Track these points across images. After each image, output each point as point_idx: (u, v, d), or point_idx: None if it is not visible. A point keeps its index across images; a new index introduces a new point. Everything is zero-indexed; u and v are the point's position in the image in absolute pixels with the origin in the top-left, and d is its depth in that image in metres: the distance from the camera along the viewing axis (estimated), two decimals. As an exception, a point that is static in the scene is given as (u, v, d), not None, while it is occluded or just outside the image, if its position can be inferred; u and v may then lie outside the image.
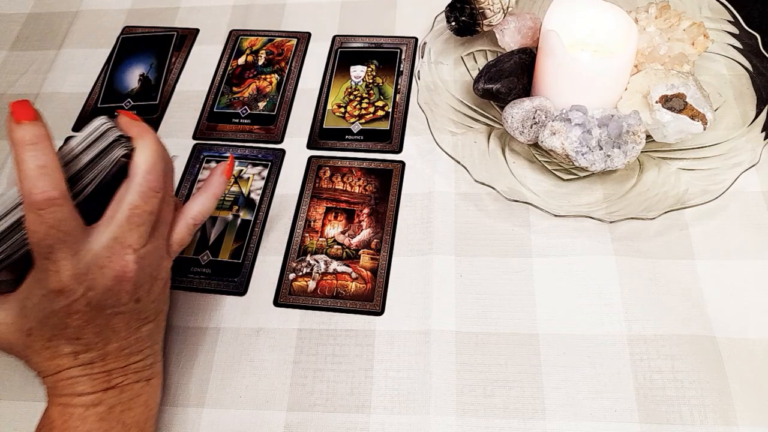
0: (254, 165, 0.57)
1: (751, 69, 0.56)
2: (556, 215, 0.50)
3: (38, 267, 0.36)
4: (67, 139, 0.40)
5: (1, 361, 0.48)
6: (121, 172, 0.39)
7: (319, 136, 0.59)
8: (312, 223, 0.53)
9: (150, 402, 0.42)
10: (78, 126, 0.62)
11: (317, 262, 0.51)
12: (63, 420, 0.38)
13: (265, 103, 0.61)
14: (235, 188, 0.56)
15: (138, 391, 0.41)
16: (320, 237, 0.52)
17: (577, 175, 0.53)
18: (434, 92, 0.57)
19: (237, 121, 0.60)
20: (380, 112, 0.60)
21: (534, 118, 0.51)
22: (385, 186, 0.55)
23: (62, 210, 0.35)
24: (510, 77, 0.53)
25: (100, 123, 0.39)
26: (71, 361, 0.38)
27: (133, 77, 0.65)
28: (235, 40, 0.67)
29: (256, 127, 0.60)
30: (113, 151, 0.39)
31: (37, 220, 0.35)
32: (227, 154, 0.58)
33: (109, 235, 0.37)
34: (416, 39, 0.65)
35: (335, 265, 0.51)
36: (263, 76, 0.63)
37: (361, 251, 0.51)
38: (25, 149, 0.35)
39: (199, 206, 0.44)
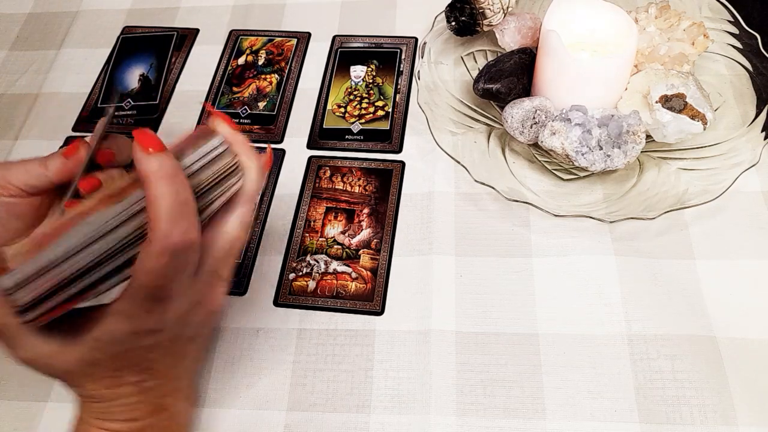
0: (254, 165, 0.57)
1: (751, 69, 0.56)
2: (556, 215, 0.50)
3: (137, 305, 0.32)
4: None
5: (1, 362, 0.48)
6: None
7: (319, 136, 0.59)
8: (312, 223, 0.53)
9: (188, 423, 0.41)
10: (78, 126, 0.62)
11: (317, 262, 0.51)
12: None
13: (265, 103, 0.61)
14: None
15: (182, 412, 0.40)
16: (320, 237, 0.52)
17: (577, 175, 0.53)
18: (434, 92, 0.57)
19: (237, 121, 0.60)
20: (380, 112, 0.60)
21: (534, 118, 0.51)
22: (385, 186, 0.55)
23: (195, 254, 0.32)
24: (510, 77, 0.53)
25: (218, 142, 0.35)
26: (132, 389, 0.35)
27: (133, 77, 0.65)
28: (235, 40, 0.67)
29: (256, 127, 0.60)
30: (229, 179, 0.35)
31: (166, 263, 0.31)
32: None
33: (211, 269, 0.34)
34: (416, 39, 0.65)
35: (335, 265, 0.51)
36: (263, 76, 0.63)
37: (361, 251, 0.51)
38: (162, 182, 0.30)
39: (232, 230, 0.38)
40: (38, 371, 0.34)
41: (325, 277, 0.50)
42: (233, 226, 0.35)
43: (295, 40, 0.66)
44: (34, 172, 0.36)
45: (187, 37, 0.68)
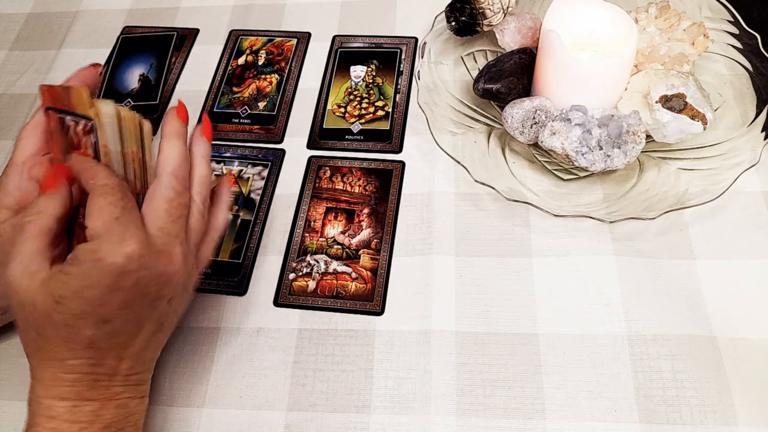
0: (254, 165, 0.57)
1: (751, 69, 0.56)
2: (556, 215, 0.50)
3: (107, 235, 0.35)
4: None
5: (2, 361, 0.48)
6: None
7: (319, 136, 0.59)
8: (312, 223, 0.53)
9: (139, 423, 0.40)
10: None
11: (317, 262, 0.51)
12: None
13: (265, 103, 0.61)
14: (235, 188, 0.56)
15: (132, 409, 0.39)
16: (320, 237, 0.52)
17: (577, 175, 0.53)
18: (434, 92, 0.57)
19: (237, 121, 0.60)
20: (380, 112, 0.60)
21: (534, 118, 0.51)
22: (385, 186, 0.55)
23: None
24: (510, 77, 0.53)
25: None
26: (83, 353, 0.36)
27: (133, 77, 0.65)
28: (235, 40, 0.67)
29: (256, 127, 0.60)
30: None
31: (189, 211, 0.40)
32: (227, 154, 0.58)
33: (158, 224, 0.37)
34: (416, 39, 0.65)
35: (335, 265, 0.51)
36: (263, 76, 0.63)
37: (361, 251, 0.51)
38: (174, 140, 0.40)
39: (222, 221, 0.44)
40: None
41: (325, 277, 0.50)
42: (161, 187, 0.39)
43: (295, 40, 0.66)
44: (36, 234, 0.37)
45: (187, 37, 0.68)
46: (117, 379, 0.38)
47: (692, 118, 0.49)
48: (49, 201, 0.37)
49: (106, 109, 0.38)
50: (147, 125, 0.40)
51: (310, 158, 0.57)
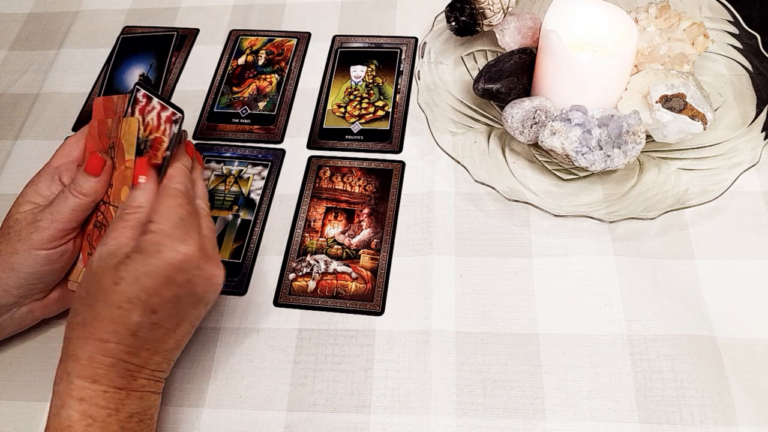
0: (254, 165, 0.57)
1: (751, 69, 0.56)
2: (556, 215, 0.50)
3: (171, 232, 0.38)
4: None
5: (1, 362, 0.48)
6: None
7: (319, 136, 0.59)
8: (312, 223, 0.53)
9: (155, 417, 0.41)
10: (78, 126, 0.62)
11: (317, 262, 0.51)
12: (85, 425, 0.36)
13: (265, 103, 0.61)
14: (235, 188, 0.56)
15: (152, 403, 0.40)
16: (320, 237, 0.52)
17: (577, 175, 0.53)
18: (434, 92, 0.57)
19: (237, 121, 0.60)
20: (380, 112, 0.60)
21: (534, 118, 0.51)
22: (385, 186, 0.55)
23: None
24: (510, 77, 0.53)
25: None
26: (125, 338, 0.37)
27: (133, 77, 0.65)
28: (235, 40, 0.67)
29: (256, 127, 0.60)
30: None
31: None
32: (227, 154, 0.58)
33: (208, 233, 0.41)
34: (416, 39, 0.65)
35: (335, 265, 0.51)
36: (263, 76, 0.63)
37: (361, 251, 0.51)
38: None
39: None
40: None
41: (325, 277, 0.50)
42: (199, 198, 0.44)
43: (295, 40, 0.66)
44: (74, 206, 0.42)
45: (187, 37, 0.68)
46: (145, 372, 0.39)
47: (692, 118, 0.49)
48: (144, 195, 0.41)
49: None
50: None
51: (310, 158, 0.57)
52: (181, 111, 0.42)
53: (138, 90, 0.43)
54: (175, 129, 0.42)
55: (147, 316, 0.37)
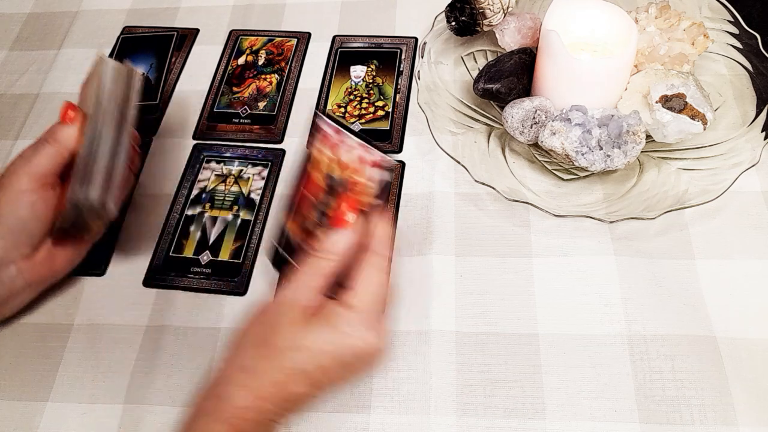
0: (254, 165, 0.57)
1: (751, 69, 0.56)
2: (556, 215, 0.50)
3: (366, 316, 0.37)
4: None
5: (2, 362, 0.48)
6: None
7: (319, 136, 0.59)
8: (312, 223, 0.53)
9: None
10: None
11: (317, 262, 0.51)
12: None
13: (265, 103, 0.61)
14: (235, 188, 0.56)
15: None
16: (320, 237, 0.52)
17: (577, 175, 0.53)
18: (434, 92, 0.57)
19: (237, 121, 0.60)
20: (380, 112, 0.60)
21: (534, 118, 0.51)
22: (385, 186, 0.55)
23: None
24: (510, 77, 0.53)
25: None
26: (278, 402, 0.36)
27: (133, 77, 0.65)
28: (235, 40, 0.67)
29: (256, 127, 0.60)
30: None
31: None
32: (227, 154, 0.58)
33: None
34: (416, 39, 0.65)
35: (335, 265, 0.51)
36: (263, 76, 0.63)
37: (361, 251, 0.51)
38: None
39: None
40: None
41: (325, 277, 0.50)
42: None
43: (295, 40, 0.66)
44: (51, 153, 0.44)
45: (187, 37, 0.68)
46: (279, 426, 0.38)
47: (692, 118, 0.49)
48: (346, 245, 0.39)
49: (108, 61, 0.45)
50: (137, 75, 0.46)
51: (310, 158, 0.57)
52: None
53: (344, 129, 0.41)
54: (387, 176, 0.39)
55: (310, 390, 0.37)
